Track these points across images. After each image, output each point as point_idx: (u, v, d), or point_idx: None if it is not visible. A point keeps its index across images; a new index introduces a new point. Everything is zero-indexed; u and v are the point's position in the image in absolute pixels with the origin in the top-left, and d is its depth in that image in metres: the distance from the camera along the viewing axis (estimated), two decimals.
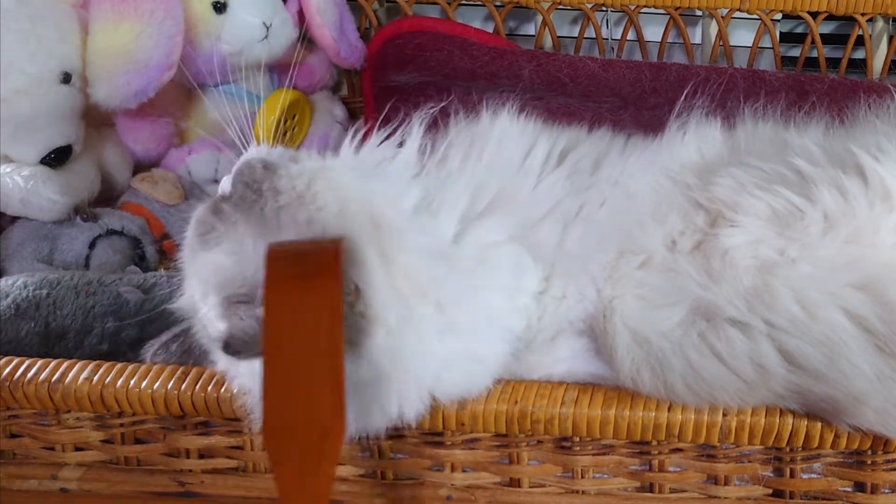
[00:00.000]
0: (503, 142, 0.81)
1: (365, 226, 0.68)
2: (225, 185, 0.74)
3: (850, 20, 1.18)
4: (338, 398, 0.59)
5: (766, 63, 1.25)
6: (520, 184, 0.78)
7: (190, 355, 0.78)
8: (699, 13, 1.26)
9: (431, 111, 0.81)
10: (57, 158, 0.99)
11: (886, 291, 0.68)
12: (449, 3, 1.23)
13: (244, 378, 0.72)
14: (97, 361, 0.78)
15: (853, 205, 0.70)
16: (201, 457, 0.82)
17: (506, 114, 0.82)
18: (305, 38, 1.17)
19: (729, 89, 1.08)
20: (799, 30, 1.29)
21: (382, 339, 0.67)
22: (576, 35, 1.25)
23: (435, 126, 0.82)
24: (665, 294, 0.71)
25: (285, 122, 1.12)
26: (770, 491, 0.77)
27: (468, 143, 0.81)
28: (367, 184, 0.72)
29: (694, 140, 0.81)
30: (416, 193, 0.75)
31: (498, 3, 1.23)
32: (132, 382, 0.76)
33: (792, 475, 0.76)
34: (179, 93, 1.13)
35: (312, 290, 0.60)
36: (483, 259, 0.73)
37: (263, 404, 0.59)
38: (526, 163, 0.80)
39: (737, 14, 1.19)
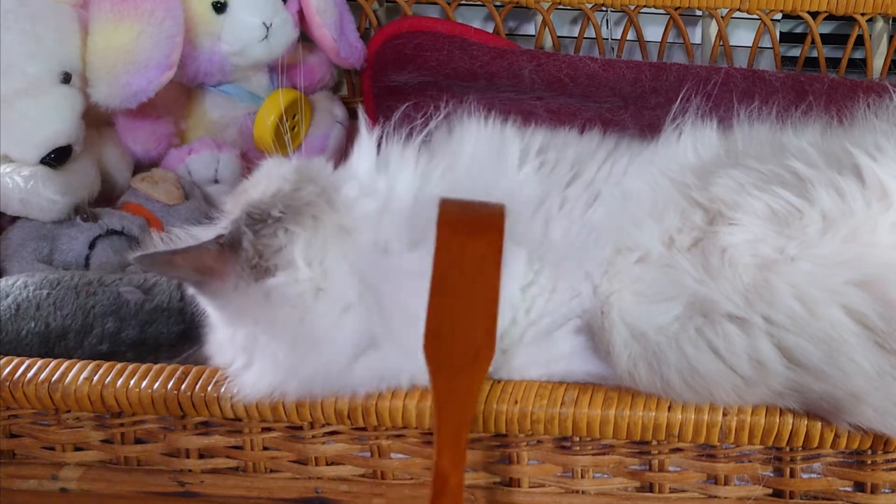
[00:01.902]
0: (473, 142, 0.81)
1: (316, 197, 0.74)
2: None
3: (850, 20, 1.18)
4: (492, 324, 0.69)
5: (766, 63, 1.25)
6: (488, 180, 0.79)
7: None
8: (699, 13, 1.26)
9: (425, 129, 0.81)
10: (57, 158, 0.99)
11: (885, 289, 0.68)
12: (449, 3, 1.23)
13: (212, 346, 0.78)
14: (97, 361, 0.78)
15: (851, 205, 0.71)
16: (201, 457, 0.82)
17: (475, 118, 0.83)
18: (305, 39, 1.18)
19: (729, 89, 1.08)
20: (799, 30, 1.29)
21: (285, 282, 0.71)
22: (576, 35, 1.25)
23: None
24: (662, 289, 0.71)
25: (285, 122, 1.12)
26: (770, 491, 0.77)
27: (438, 147, 0.81)
28: (336, 174, 0.79)
29: (691, 140, 0.81)
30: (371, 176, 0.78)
31: (498, 3, 1.23)
32: (132, 382, 0.76)
33: (792, 475, 0.76)
34: (179, 93, 1.13)
35: (480, 238, 0.70)
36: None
37: (428, 320, 0.68)
38: (496, 160, 0.80)
39: (737, 14, 1.19)
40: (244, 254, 0.72)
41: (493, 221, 0.71)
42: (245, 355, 0.74)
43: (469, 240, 0.70)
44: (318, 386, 0.73)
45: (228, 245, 0.72)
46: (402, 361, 0.73)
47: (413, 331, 0.69)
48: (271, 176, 0.77)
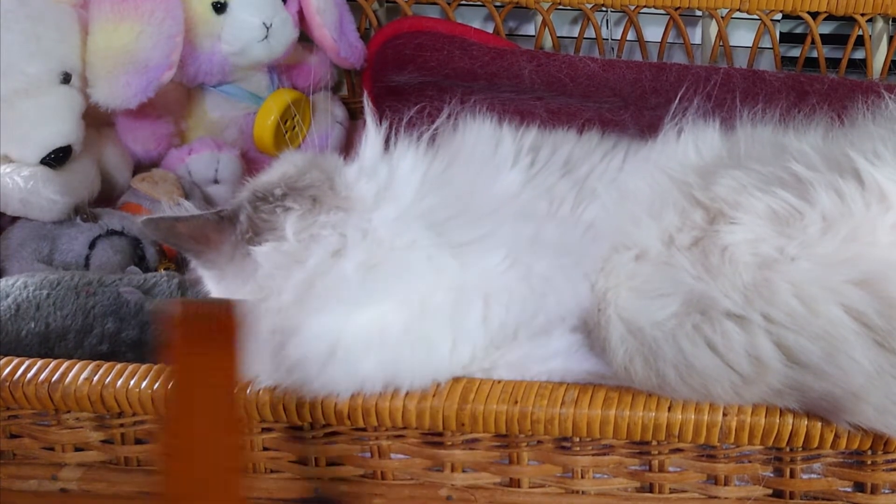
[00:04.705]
0: (472, 141, 0.82)
1: (319, 181, 0.76)
2: None
3: (850, 20, 1.18)
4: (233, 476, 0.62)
5: (766, 63, 1.25)
6: (482, 182, 0.79)
7: None
8: (699, 13, 1.26)
9: (429, 129, 0.82)
10: (57, 158, 0.99)
11: (885, 287, 0.68)
12: (449, 3, 1.23)
13: None
14: (97, 361, 0.78)
15: (850, 206, 0.71)
16: None
17: (476, 118, 0.84)
18: (305, 39, 1.18)
19: (729, 89, 1.08)
20: (799, 30, 1.29)
21: (269, 251, 0.73)
22: (576, 35, 1.25)
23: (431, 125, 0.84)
24: (659, 285, 0.72)
25: (285, 122, 1.12)
26: (770, 491, 0.77)
27: (441, 145, 0.82)
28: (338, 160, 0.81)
29: (692, 140, 0.81)
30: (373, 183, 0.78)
31: (498, 3, 1.23)
32: (132, 382, 0.76)
33: (792, 475, 0.76)
34: (179, 93, 1.13)
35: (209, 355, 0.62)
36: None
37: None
38: (490, 160, 0.81)
39: (737, 14, 1.19)
40: (240, 227, 0.75)
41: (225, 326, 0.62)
42: None
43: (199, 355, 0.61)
44: (299, 378, 0.73)
45: (228, 218, 0.75)
46: (377, 368, 0.72)
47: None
48: (284, 163, 0.80)
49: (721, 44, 1.21)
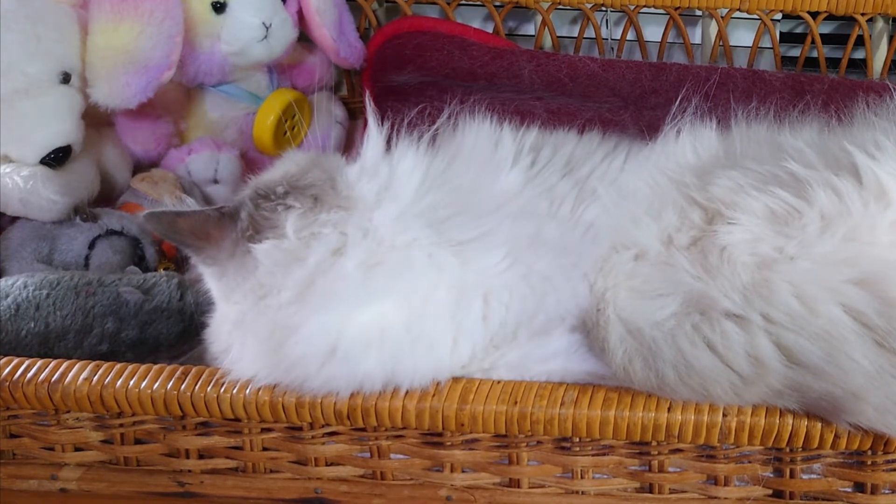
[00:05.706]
0: (472, 141, 0.83)
1: (321, 180, 0.77)
2: None
3: (850, 20, 1.18)
4: None
5: (766, 63, 1.25)
6: (482, 181, 0.80)
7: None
8: (699, 13, 1.26)
9: (429, 129, 0.82)
10: (57, 158, 0.99)
11: (885, 287, 0.68)
12: (449, 3, 1.23)
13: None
14: (97, 362, 0.78)
15: (849, 205, 0.71)
16: (201, 457, 0.82)
17: (476, 118, 0.84)
18: (305, 39, 1.18)
19: (729, 89, 1.08)
20: (799, 30, 1.29)
21: (270, 248, 0.74)
22: (576, 35, 1.25)
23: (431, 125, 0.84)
24: (658, 285, 0.72)
25: (285, 122, 1.12)
26: (770, 491, 0.77)
27: (442, 144, 0.83)
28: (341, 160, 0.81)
29: (689, 140, 0.82)
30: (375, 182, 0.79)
31: (498, 3, 1.23)
32: (132, 382, 0.76)
33: (792, 475, 0.76)
34: (179, 93, 1.13)
35: None
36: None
37: None
38: (491, 159, 0.81)
39: (737, 14, 1.19)
40: (241, 224, 0.75)
41: None
42: (238, 334, 0.75)
43: None
44: (299, 376, 0.73)
45: (229, 214, 0.76)
46: (377, 367, 0.72)
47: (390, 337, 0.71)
48: (287, 162, 0.81)
49: (721, 44, 1.21)
